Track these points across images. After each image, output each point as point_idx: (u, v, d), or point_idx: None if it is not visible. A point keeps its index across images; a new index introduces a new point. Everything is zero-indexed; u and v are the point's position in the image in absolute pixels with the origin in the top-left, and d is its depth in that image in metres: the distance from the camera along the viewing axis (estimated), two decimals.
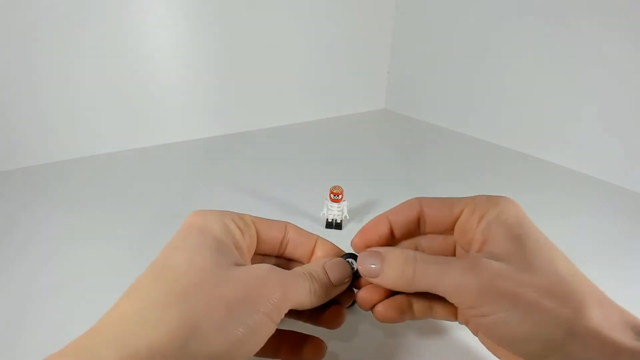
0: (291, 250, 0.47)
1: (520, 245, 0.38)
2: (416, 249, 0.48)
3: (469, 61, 1.37)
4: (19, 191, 0.96)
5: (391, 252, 0.42)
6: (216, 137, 1.36)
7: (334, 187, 0.78)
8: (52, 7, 0.99)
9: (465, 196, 0.46)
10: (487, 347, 0.44)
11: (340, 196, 0.78)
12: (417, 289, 0.40)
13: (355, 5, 1.48)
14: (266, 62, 1.37)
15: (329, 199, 0.79)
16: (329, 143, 1.36)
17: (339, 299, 0.47)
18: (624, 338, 0.35)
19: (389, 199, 0.96)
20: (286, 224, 0.47)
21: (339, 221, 0.81)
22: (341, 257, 0.47)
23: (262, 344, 0.37)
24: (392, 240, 0.48)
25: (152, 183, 1.02)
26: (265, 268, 0.39)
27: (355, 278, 0.46)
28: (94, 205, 0.90)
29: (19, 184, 1.00)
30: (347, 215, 0.81)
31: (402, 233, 0.47)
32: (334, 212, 0.79)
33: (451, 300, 0.39)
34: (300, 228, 0.48)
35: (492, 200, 0.43)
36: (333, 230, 0.81)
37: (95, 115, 1.14)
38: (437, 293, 0.39)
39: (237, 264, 0.39)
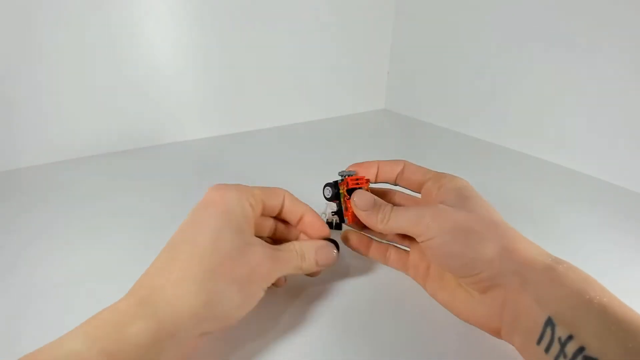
0: (286, 214, 0.59)
1: (465, 201, 0.51)
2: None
3: (469, 61, 1.37)
4: (19, 191, 0.96)
5: (381, 202, 0.56)
6: (216, 137, 1.36)
7: None
8: (53, 6, 0.99)
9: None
10: (433, 295, 0.58)
11: None
12: (390, 227, 0.54)
13: (355, 6, 1.48)
14: (266, 62, 1.37)
15: None
16: (329, 143, 1.36)
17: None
18: (541, 258, 0.45)
19: None
20: (284, 194, 0.58)
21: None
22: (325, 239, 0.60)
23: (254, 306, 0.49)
24: (374, 178, 0.64)
25: (152, 183, 1.02)
26: (267, 253, 0.49)
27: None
28: (94, 206, 0.90)
29: (20, 184, 1.00)
30: None
31: (384, 178, 0.64)
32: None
33: (410, 232, 0.52)
34: (294, 197, 0.60)
35: (451, 176, 0.57)
36: (333, 230, 0.81)
37: (95, 115, 1.14)
38: (403, 231, 0.53)
39: (248, 243, 0.48)
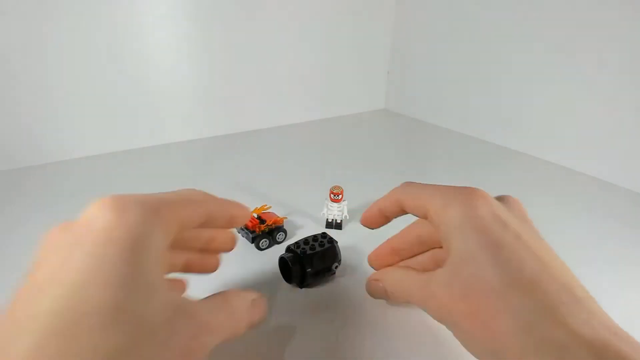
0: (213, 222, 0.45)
1: (477, 255, 0.40)
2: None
3: (468, 61, 1.37)
4: (19, 191, 0.96)
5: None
6: (216, 137, 1.36)
7: (334, 187, 0.78)
8: (52, 6, 0.99)
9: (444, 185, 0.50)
10: None
11: (340, 196, 0.78)
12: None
13: (355, 5, 1.48)
14: (266, 62, 1.37)
15: (329, 198, 0.79)
16: (329, 143, 1.36)
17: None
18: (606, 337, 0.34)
19: None
20: (203, 197, 0.45)
21: (339, 221, 0.81)
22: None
23: None
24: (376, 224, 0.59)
25: (153, 183, 1.02)
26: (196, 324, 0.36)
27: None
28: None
29: (20, 183, 1.00)
30: (347, 215, 0.81)
31: (393, 215, 0.58)
32: (334, 212, 0.79)
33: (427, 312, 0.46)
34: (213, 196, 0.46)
35: (454, 201, 0.44)
36: (333, 230, 0.81)
37: (95, 115, 1.14)
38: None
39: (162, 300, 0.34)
